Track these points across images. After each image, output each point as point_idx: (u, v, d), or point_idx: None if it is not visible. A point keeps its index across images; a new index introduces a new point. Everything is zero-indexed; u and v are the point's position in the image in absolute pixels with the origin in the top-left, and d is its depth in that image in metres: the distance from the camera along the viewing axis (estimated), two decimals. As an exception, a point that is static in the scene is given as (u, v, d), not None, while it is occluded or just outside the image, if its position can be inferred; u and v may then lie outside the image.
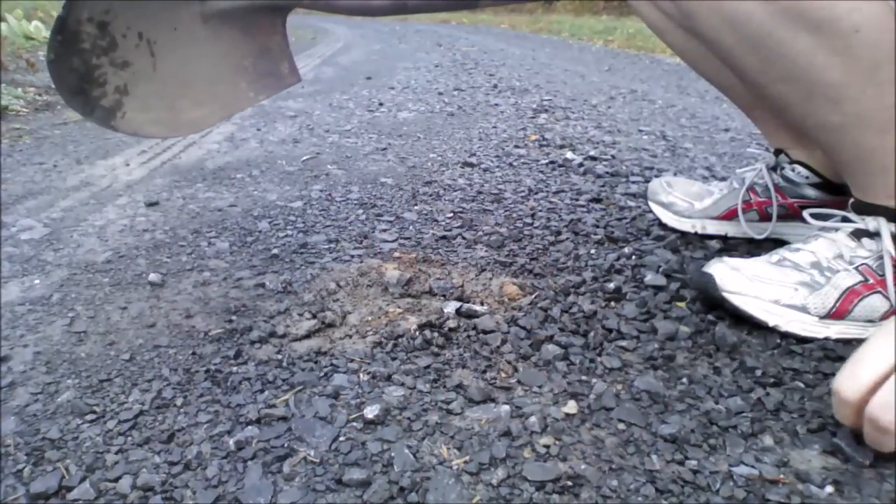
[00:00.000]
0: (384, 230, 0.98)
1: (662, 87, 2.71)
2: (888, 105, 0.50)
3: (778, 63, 0.57)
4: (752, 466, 0.49)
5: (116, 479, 0.48)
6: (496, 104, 2.14)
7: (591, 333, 0.66)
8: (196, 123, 0.91)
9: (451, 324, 0.68)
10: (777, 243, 0.77)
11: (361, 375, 0.60)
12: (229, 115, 0.91)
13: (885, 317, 0.65)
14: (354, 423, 0.54)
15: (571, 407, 0.56)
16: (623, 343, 0.65)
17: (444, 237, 0.94)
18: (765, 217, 0.87)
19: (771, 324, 0.66)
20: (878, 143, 0.61)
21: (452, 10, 1.05)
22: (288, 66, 0.90)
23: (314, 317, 0.70)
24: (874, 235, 0.67)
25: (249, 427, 0.53)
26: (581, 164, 1.36)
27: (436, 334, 0.66)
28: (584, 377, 0.60)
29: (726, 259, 0.70)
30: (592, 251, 0.89)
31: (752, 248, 0.88)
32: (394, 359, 0.63)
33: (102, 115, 0.83)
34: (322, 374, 0.61)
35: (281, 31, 0.89)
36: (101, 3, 0.78)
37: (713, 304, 0.70)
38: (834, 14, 0.54)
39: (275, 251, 0.89)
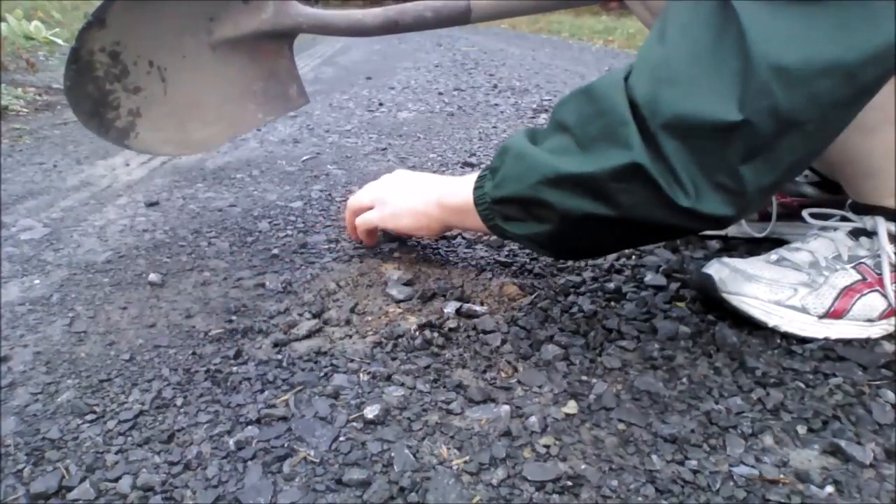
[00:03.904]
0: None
1: (662, 86, 2.70)
2: (873, 105, 0.50)
3: None
4: (752, 466, 0.49)
5: (116, 479, 0.48)
6: (496, 104, 2.14)
7: (591, 333, 0.66)
8: (206, 142, 0.95)
9: (451, 324, 0.68)
10: (777, 243, 0.77)
11: (361, 375, 0.60)
12: (238, 135, 0.95)
13: (883, 316, 0.66)
14: (354, 423, 0.54)
15: (571, 407, 0.56)
16: (623, 343, 0.65)
17: (444, 237, 0.94)
18: (764, 216, 0.87)
19: (771, 324, 0.66)
20: (865, 144, 0.62)
21: (442, 27, 1.07)
22: (296, 88, 0.94)
23: (314, 317, 0.70)
24: (872, 234, 0.67)
25: (249, 427, 0.53)
26: (581, 164, 1.36)
27: (436, 334, 0.66)
28: (584, 377, 0.60)
29: (726, 259, 0.70)
30: (592, 251, 0.89)
31: (752, 247, 0.88)
32: (394, 359, 0.63)
33: (117, 136, 0.89)
34: (322, 374, 0.61)
35: (288, 56, 0.92)
36: (112, 35, 0.83)
37: (713, 304, 0.70)
38: None
39: (275, 251, 0.89)
